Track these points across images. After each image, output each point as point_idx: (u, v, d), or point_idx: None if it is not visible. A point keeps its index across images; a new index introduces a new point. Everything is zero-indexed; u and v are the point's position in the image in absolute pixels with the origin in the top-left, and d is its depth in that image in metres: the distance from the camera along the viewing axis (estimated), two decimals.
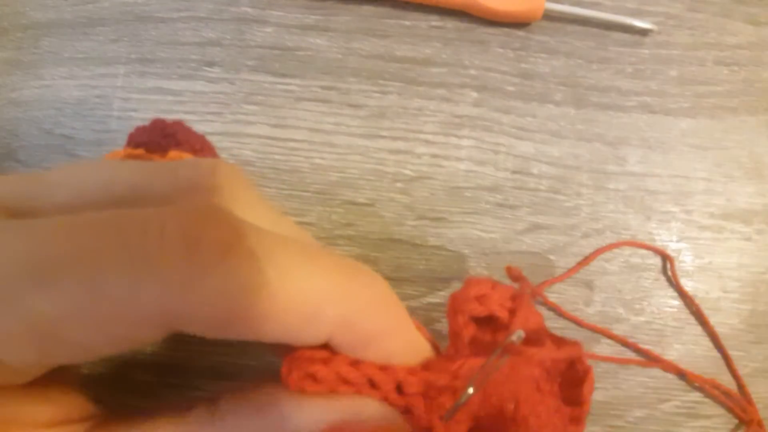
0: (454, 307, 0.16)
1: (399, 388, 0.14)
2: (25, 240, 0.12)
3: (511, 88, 0.27)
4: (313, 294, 0.13)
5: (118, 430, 0.15)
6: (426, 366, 0.15)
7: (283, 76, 0.26)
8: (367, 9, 0.27)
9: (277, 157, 0.25)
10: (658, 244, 0.25)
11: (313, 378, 0.14)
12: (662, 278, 0.25)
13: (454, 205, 0.25)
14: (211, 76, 0.26)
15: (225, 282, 0.12)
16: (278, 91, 0.26)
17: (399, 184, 0.25)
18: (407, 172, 0.25)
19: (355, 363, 0.14)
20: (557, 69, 0.27)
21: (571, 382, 0.17)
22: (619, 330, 0.24)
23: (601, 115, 0.26)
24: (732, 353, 0.24)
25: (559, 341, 0.16)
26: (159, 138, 0.19)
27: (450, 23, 0.27)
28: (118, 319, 0.12)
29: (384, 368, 0.14)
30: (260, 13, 0.27)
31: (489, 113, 0.26)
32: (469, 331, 0.15)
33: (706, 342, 0.25)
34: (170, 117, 0.26)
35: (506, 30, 0.27)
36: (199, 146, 0.19)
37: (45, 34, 0.27)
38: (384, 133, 0.26)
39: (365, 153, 0.26)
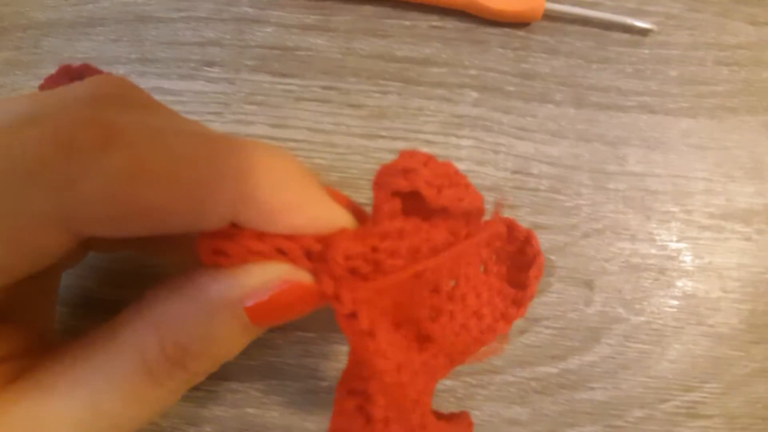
0: (377, 179, 0.15)
1: (308, 255, 0.14)
2: None
3: (511, 88, 0.27)
4: (203, 174, 0.13)
5: (61, 349, 0.15)
6: (336, 234, 0.15)
7: (283, 76, 0.26)
8: (367, 9, 0.27)
9: None
10: (658, 244, 0.25)
11: (224, 253, 0.14)
12: (662, 278, 0.25)
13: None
14: (211, 76, 0.26)
15: (106, 176, 0.12)
16: (278, 91, 0.26)
17: None
18: None
19: (262, 235, 0.14)
20: (557, 69, 0.27)
21: (520, 266, 0.17)
22: (619, 330, 0.24)
23: (601, 115, 0.26)
24: (732, 353, 0.24)
25: (510, 225, 0.16)
26: (67, 82, 0.19)
27: (450, 23, 0.27)
28: (16, 229, 0.12)
29: (291, 237, 0.14)
30: (260, 13, 0.27)
31: (489, 113, 0.26)
32: (391, 205, 0.15)
33: (706, 342, 0.25)
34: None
35: (506, 30, 0.27)
36: None
37: (45, 34, 0.27)
38: (384, 133, 0.26)
39: (365, 153, 0.26)
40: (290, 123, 0.26)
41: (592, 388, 0.24)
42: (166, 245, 0.19)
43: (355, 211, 0.16)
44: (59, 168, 0.12)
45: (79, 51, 0.27)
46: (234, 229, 0.14)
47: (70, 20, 0.27)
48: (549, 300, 0.25)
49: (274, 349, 0.24)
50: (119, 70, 0.26)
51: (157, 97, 0.26)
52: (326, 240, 0.14)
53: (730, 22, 0.28)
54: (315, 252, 0.14)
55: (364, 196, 0.25)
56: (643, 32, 0.27)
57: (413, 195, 0.15)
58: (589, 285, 0.25)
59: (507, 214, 0.25)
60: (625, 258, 0.25)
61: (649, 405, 0.24)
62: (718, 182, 0.26)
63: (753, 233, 0.25)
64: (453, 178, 0.16)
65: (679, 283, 0.25)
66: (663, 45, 0.27)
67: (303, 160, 0.25)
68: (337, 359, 0.24)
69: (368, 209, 0.25)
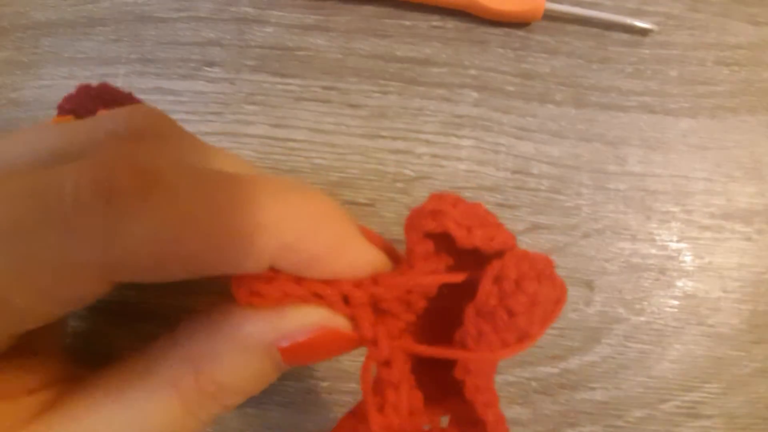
0: (408, 222, 0.16)
1: (346, 300, 0.14)
2: None
3: (511, 88, 0.27)
4: (246, 223, 0.13)
5: (91, 381, 0.15)
6: (374, 279, 0.15)
7: (283, 76, 0.26)
8: (367, 9, 0.27)
9: (277, 157, 0.25)
10: (659, 244, 0.25)
11: (260, 295, 0.14)
12: (662, 278, 0.25)
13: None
14: (211, 76, 0.26)
15: (149, 224, 0.12)
16: (278, 91, 0.26)
17: (399, 184, 0.25)
18: (407, 172, 0.25)
19: (300, 280, 0.14)
20: (557, 69, 0.27)
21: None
22: (619, 330, 0.24)
23: (601, 115, 0.26)
24: (732, 353, 0.24)
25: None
26: (86, 102, 0.19)
27: (450, 23, 0.27)
28: (55, 279, 0.12)
29: (329, 282, 0.14)
30: (260, 13, 0.27)
31: (489, 113, 0.26)
32: (424, 247, 0.15)
33: (707, 342, 0.25)
34: (171, 117, 0.26)
35: (506, 30, 0.27)
36: (128, 103, 0.19)
37: (45, 34, 0.27)
38: (384, 133, 0.26)
39: (365, 153, 0.26)
40: (290, 123, 0.26)
41: (593, 388, 0.24)
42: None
43: (387, 249, 0.16)
44: (99, 216, 0.12)
45: (79, 51, 0.27)
46: (271, 273, 0.14)
47: (70, 20, 0.27)
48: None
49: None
50: (119, 70, 0.26)
51: (157, 97, 0.26)
52: (364, 284, 0.14)
53: (730, 22, 0.28)
54: (353, 296, 0.14)
55: (364, 196, 0.25)
56: (643, 32, 0.27)
57: (444, 236, 0.15)
58: (589, 285, 0.25)
59: (507, 214, 0.25)
60: (625, 258, 0.25)
61: (649, 405, 0.24)
62: (718, 182, 0.26)
63: (753, 233, 0.25)
64: (483, 218, 0.16)
65: (679, 283, 0.25)
66: (663, 45, 0.27)
67: (303, 161, 0.25)
68: (337, 359, 0.24)
69: (368, 209, 0.25)
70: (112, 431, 0.14)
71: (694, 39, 0.27)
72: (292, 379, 0.24)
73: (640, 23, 0.27)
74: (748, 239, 0.25)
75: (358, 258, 0.15)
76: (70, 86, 0.26)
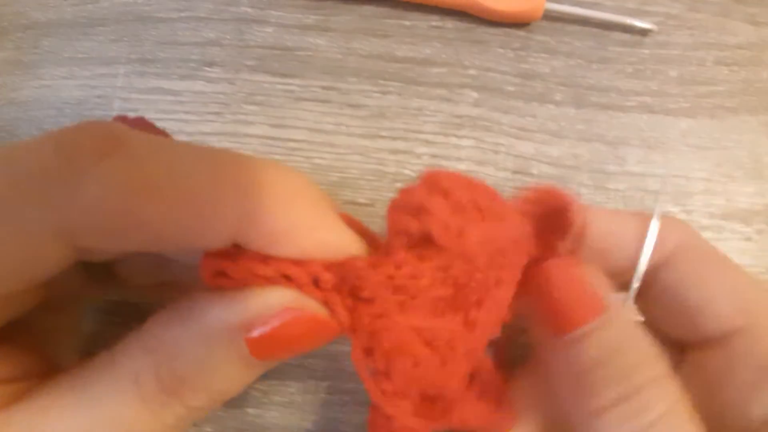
0: (390, 212, 0.15)
1: (316, 282, 0.13)
2: None
3: (511, 88, 0.27)
4: (204, 190, 0.12)
5: (63, 375, 0.15)
6: (347, 262, 0.14)
7: (283, 76, 0.26)
8: (367, 9, 0.27)
9: (277, 157, 0.25)
10: None
11: (226, 275, 0.13)
12: None
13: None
14: (211, 76, 0.26)
15: (107, 184, 0.12)
16: (278, 91, 0.26)
17: (399, 185, 0.25)
18: (407, 172, 0.25)
19: (267, 258, 0.13)
20: (557, 69, 0.27)
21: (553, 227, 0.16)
22: None
23: (601, 115, 0.26)
24: None
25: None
26: None
27: (450, 23, 0.27)
28: (14, 239, 0.12)
29: (298, 262, 0.13)
30: (260, 13, 0.27)
31: (489, 113, 0.26)
32: (403, 240, 0.14)
33: None
34: (171, 117, 0.26)
35: (506, 30, 0.27)
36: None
37: (45, 34, 0.27)
38: (384, 133, 0.26)
39: (365, 153, 0.26)
40: (290, 123, 0.26)
41: None
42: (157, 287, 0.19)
43: (367, 236, 0.15)
44: (59, 174, 0.12)
45: (79, 51, 0.27)
46: (238, 250, 0.13)
47: (70, 20, 0.27)
48: None
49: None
50: (119, 70, 0.26)
51: (157, 97, 0.26)
52: (337, 267, 0.14)
53: (730, 22, 0.27)
54: (324, 280, 0.13)
55: (364, 196, 0.25)
56: (643, 32, 0.27)
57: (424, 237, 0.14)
58: None
59: None
60: None
61: None
62: (718, 182, 0.26)
63: (753, 233, 0.25)
64: (485, 209, 0.14)
65: None
66: (663, 45, 0.27)
67: (303, 161, 0.25)
68: (337, 359, 0.24)
69: (368, 209, 0.25)
70: (72, 425, 0.13)
71: (694, 39, 0.27)
72: (292, 379, 0.24)
73: (640, 23, 0.27)
74: (748, 239, 0.25)
75: (330, 238, 0.14)
76: (70, 86, 0.26)
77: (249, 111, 0.26)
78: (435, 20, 0.27)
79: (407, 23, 0.27)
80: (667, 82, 0.27)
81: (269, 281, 0.13)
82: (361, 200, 0.25)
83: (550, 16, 0.27)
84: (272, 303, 0.13)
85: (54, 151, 0.12)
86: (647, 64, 0.27)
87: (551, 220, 0.16)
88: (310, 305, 0.14)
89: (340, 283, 0.14)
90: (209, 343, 0.13)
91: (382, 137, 0.26)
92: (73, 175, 0.12)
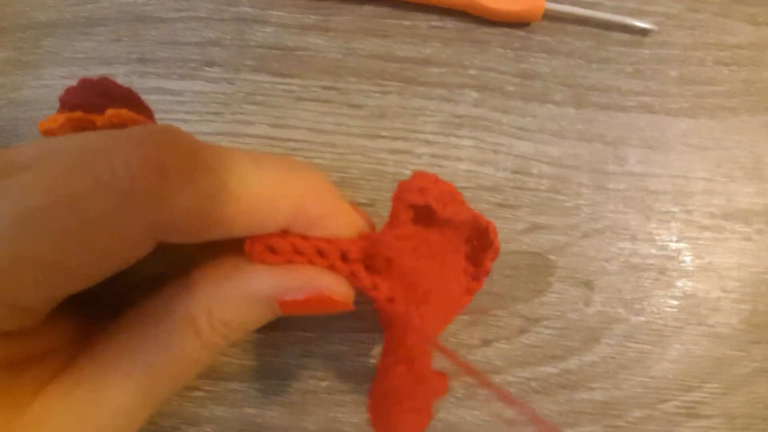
0: (397, 193, 0.19)
1: (343, 256, 0.17)
2: (17, 194, 0.14)
3: (511, 88, 0.27)
4: (268, 192, 0.16)
5: (112, 327, 0.17)
6: (363, 237, 0.18)
7: (283, 76, 0.26)
8: (367, 9, 0.27)
9: None
10: (658, 244, 0.25)
11: (272, 249, 0.17)
12: (662, 278, 0.25)
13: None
14: (211, 76, 0.26)
15: (195, 195, 0.14)
16: (278, 91, 0.26)
17: None
18: (407, 172, 0.25)
19: (305, 237, 0.17)
20: (557, 69, 0.27)
21: (480, 247, 0.21)
22: (618, 330, 0.24)
23: (601, 115, 0.26)
24: (732, 353, 0.24)
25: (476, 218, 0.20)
26: (92, 98, 0.20)
27: (450, 23, 0.27)
28: (110, 243, 0.14)
29: (329, 240, 0.17)
30: (260, 13, 0.27)
31: (489, 113, 0.26)
32: (407, 215, 0.18)
33: (706, 342, 0.25)
34: (171, 117, 0.26)
35: (506, 30, 0.27)
36: (131, 98, 0.20)
37: (45, 34, 0.27)
38: (384, 133, 0.26)
39: (365, 153, 0.26)
40: (290, 123, 0.26)
41: (592, 388, 0.24)
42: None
43: (366, 218, 0.20)
44: (152, 188, 0.14)
45: (79, 51, 0.27)
46: (282, 231, 0.17)
47: (70, 20, 0.27)
48: (549, 300, 0.25)
49: (274, 349, 0.24)
50: (119, 70, 0.26)
51: (157, 97, 0.26)
52: (367, 242, 0.17)
53: (730, 22, 0.28)
54: (349, 251, 0.17)
55: (364, 196, 0.25)
56: (643, 32, 0.27)
57: (424, 208, 0.18)
58: (589, 285, 0.25)
59: (507, 214, 0.25)
60: (625, 258, 0.25)
61: (649, 405, 0.24)
62: (718, 182, 0.26)
63: (753, 233, 0.25)
64: (454, 196, 0.19)
65: (679, 283, 0.25)
66: (663, 45, 0.27)
67: (303, 160, 0.25)
68: (337, 359, 0.24)
69: (368, 209, 0.25)
70: (142, 366, 0.16)
71: (694, 39, 0.27)
72: (292, 379, 0.24)
73: (640, 23, 0.27)
74: (748, 239, 0.25)
75: (351, 220, 0.18)
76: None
77: (249, 111, 0.26)
78: (435, 20, 0.27)
79: (407, 23, 0.27)
80: (667, 82, 0.27)
81: (306, 257, 0.17)
82: (361, 200, 0.25)
83: (550, 16, 0.27)
84: (308, 284, 0.17)
85: (145, 166, 0.14)
86: (647, 64, 0.27)
87: (478, 238, 0.21)
88: (335, 288, 0.17)
89: (365, 254, 0.17)
90: (253, 304, 0.17)
91: (382, 137, 0.26)
92: (168, 188, 0.14)
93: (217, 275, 0.17)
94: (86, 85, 0.20)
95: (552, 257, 0.25)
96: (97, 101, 0.19)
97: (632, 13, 0.27)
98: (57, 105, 0.26)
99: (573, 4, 0.27)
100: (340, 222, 0.18)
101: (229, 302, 0.17)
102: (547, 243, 0.25)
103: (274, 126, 0.26)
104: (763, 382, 0.24)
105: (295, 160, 0.18)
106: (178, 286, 0.17)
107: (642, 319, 0.25)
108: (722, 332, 0.25)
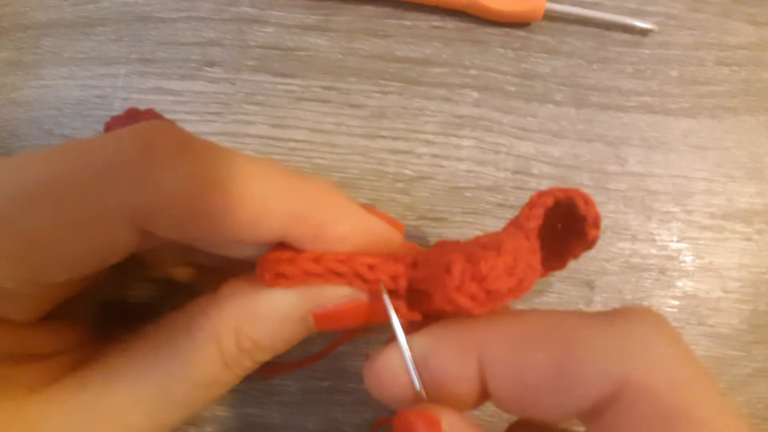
0: (535, 197, 0.17)
1: (360, 276, 0.16)
2: (9, 171, 0.14)
3: (511, 88, 0.27)
4: (260, 192, 0.15)
5: (129, 337, 0.17)
6: (386, 257, 0.16)
7: (284, 76, 0.26)
8: (368, 9, 0.27)
9: (277, 157, 0.25)
10: (659, 244, 0.25)
11: (284, 276, 0.15)
12: (663, 278, 0.25)
13: (454, 206, 0.25)
14: (211, 76, 0.26)
15: (181, 178, 0.14)
16: (278, 91, 0.26)
17: (399, 184, 0.25)
18: (408, 172, 0.25)
19: (317, 258, 0.16)
20: (558, 69, 0.27)
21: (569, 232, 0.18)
22: None
23: (601, 115, 0.26)
24: (732, 353, 0.24)
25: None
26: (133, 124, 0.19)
27: (450, 23, 0.27)
28: (95, 223, 0.14)
29: (344, 260, 0.16)
30: (260, 13, 0.27)
31: (489, 113, 0.26)
32: (536, 222, 0.16)
33: (707, 342, 0.25)
34: (171, 117, 0.26)
35: (506, 30, 0.27)
36: None
37: (45, 34, 0.27)
38: (384, 133, 0.26)
39: (366, 153, 0.26)
40: (290, 123, 0.26)
41: None
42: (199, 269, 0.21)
43: (390, 222, 0.18)
44: (138, 166, 0.13)
45: (79, 51, 0.27)
46: (292, 253, 0.16)
47: (70, 20, 0.27)
48: (549, 300, 0.25)
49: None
50: (119, 70, 0.26)
51: (157, 97, 0.26)
52: (377, 266, 0.16)
53: (730, 22, 0.28)
54: (365, 274, 0.16)
55: (364, 196, 0.25)
56: (644, 32, 0.27)
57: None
58: (589, 285, 0.25)
59: (507, 214, 0.25)
60: (625, 258, 0.25)
61: None
62: (718, 182, 0.26)
63: (753, 233, 0.25)
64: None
65: (679, 284, 0.25)
66: (663, 45, 0.27)
67: (303, 161, 0.25)
68: (337, 359, 0.24)
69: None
70: (154, 382, 0.15)
71: (694, 39, 0.27)
72: (292, 379, 0.24)
73: (640, 23, 0.27)
74: (748, 239, 0.25)
75: (361, 224, 0.16)
76: (70, 86, 0.26)
77: (249, 111, 0.26)
78: (435, 20, 0.27)
79: (408, 23, 0.27)
80: (667, 82, 0.27)
81: (321, 278, 0.16)
82: (362, 200, 0.25)
83: (550, 16, 0.27)
84: (341, 295, 0.16)
85: (132, 144, 0.14)
86: (647, 64, 0.27)
87: (565, 223, 0.18)
88: (358, 295, 0.16)
89: (388, 275, 0.16)
90: (286, 321, 0.16)
91: (383, 137, 0.26)
92: (153, 167, 0.14)
93: (246, 290, 0.16)
94: (131, 114, 0.20)
95: None
96: None
97: (632, 13, 0.27)
98: (57, 105, 0.26)
99: (573, 4, 0.27)
100: (347, 228, 0.16)
101: (261, 318, 0.16)
102: None
103: (274, 126, 0.26)
104: (763, 382, 0.24)
105: (297, 169, 0.17)
106: (204, 301, 0.17)
107: None
108: (723, 332, 0.25)
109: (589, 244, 0.17)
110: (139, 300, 0.24)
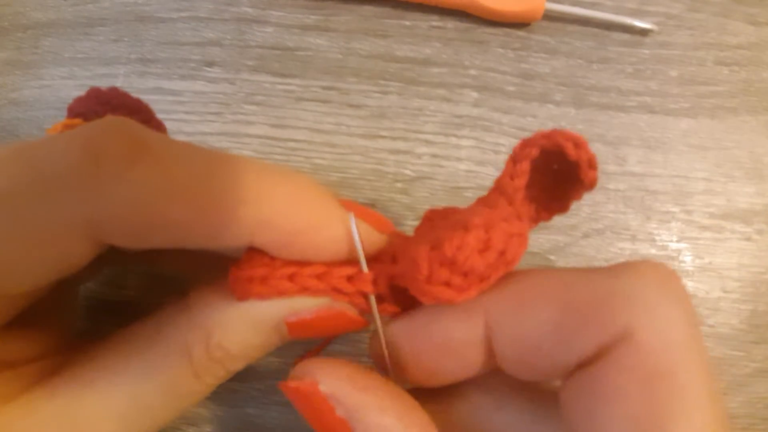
0: (519, 146, 0.15)
1: (338, 291, 0.15)
2: None
3: (511, 88, 0.27)
4: (224, 196, 0.13)
5: (99, 346, 0.16)
6: (363, 273, 0.15)
7: (283, 76, 0.26)
8: (367, 9, 0.27)
9: (277, 157, 0.25)
10: (659, 244, 0.25)
11: (258, 294, 0.15)
12: None
13: (454, 205, 0.25)
14: (211, 76, 0.26)
15: (135, 189, 0.13)
16: (278, 91, 0.26)
17: (399, 185, 0.25)
18: (407, 172, 0.25)
19: (292, 276, 0.15)
20: (557, 69, 0.27)
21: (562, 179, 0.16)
22: None
23: (601, 115, 0.26)
24: (732, 353, 0.24)
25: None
26: (96, 106, 0.19)
27: (450, 23, 0.27)
28: (45, 236, 0.13)
29: (320, 276, 0.15)
30: (260, 13, 0.27)
31: (489, 113, 0.26)
32: (522, 180, 0.15)
33: (707, 342, 0.25)
34: (171, 117, 0.26)
35: (506, 30, 0.27)
36: (136, 108, 0.19)
37: (45, 34, 0.27)
38: (384, 133, 0.26)
39: (365, 153, 0.26)
40: (290, 123, 0.26)
41: None
42: (179, 260, 0.20)
43: (379, 222, 0.16)
44: (88, 177, 0.12)
45: (79, 51, 0.27)
46: (266, 268, 0.15)
47: (70, 20, 0.27)
48: None
49: (274, 349, 0.24)
50: (119, 70, 0.26)
51: (157, 97, 0.26)
52: (355, 278, 0.15)
53: (730, 22, 0.28)
54: (344, 288, 0.15)
55: (364, 196, 0.25)
56: (644, 32, 0.27)
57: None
58: None
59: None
60: (625, 258, 0.25)
61: None
62: (718, 182, 0.26)
63: (753, 233, 0.25)
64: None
65: None
66: (663, 45, 0.27)
67: (303, 161, 0.25)
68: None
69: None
70: (119, 393, 0.15)
71: (694, 39, 0.27)
72: None
73: (640, 23, 0.27)
74: (748, 239, 0.25)
75: (341, 233, 0.15)
76: (70, 86, 0.26)
77: (249, 111, 0.26)
78: (435, 20, 0.27)
79: (407, 23, 0.27)
80: (667, 82, 0.27)
81: (297, 294, 0.15)
82: (361, 200, 0.25)
83: (550, 16, 0.27)
84: (318, 305, 0.15)
85: (82, 152, 0.12)
86: (647, 64, 0.27)
87: (561, 165, 0.16)
88: (337, 305, 0.16)
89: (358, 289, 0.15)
90: (258, 329, 0.15)
91: (383, 137, 0.26)
92: (103, 179, 0.12)
93: (217, 296, 0.15)
94: (94, 94, 0.19)
95: (552, 257, 0.25)
96: (100, 110, 0.19)
97: (632, 13, 0.27)
98: (57, 105, 0.26)
99: (573, 4, 0.27)
100: (324, 237, 0.15)
101: (231, 326, 0.15)
102: (547, 243, 0.25)
103: (274, 126, 0.26)
104: (763, 382, 0.24)
105: (271, 164, 0.15)
106: (174, 308, 0.16)
107: None
108: (722, 332, 0.25)
109: (589, 186, 0.15)
110: (132, 298, 0.24)
